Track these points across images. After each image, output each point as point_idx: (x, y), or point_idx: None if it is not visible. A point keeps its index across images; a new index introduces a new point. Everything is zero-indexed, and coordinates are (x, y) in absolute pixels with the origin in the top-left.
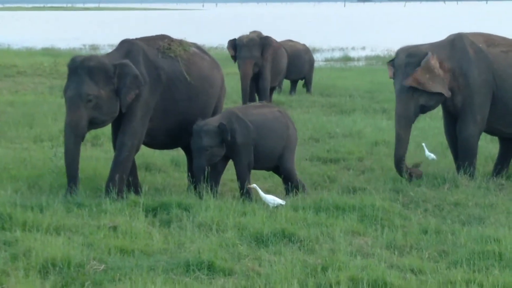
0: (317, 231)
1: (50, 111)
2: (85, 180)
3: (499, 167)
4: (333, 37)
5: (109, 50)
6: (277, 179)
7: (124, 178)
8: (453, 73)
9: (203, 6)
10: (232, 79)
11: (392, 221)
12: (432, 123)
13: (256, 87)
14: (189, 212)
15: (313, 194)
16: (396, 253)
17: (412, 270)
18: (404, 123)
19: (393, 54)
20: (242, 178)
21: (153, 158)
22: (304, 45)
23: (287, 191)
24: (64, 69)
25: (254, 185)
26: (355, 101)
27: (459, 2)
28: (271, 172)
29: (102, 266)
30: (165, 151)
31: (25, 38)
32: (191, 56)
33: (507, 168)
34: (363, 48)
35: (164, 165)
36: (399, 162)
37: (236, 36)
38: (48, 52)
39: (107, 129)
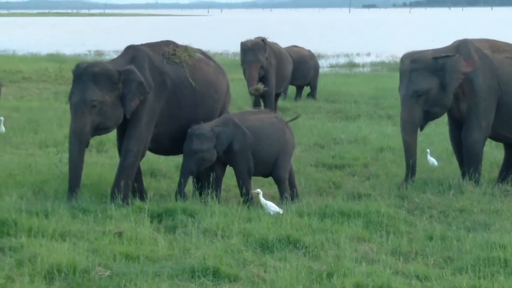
0: (322, 237)
1: (55, 117)
2: (90, 186)
3: (504, 173)
4: (338, 43)
5: (114, 56)
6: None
7: (130, 184)
8: None
9: (208, 12)
10: (237, 85)
11: (398, 227)
12: (437, 129)
13: (261, 93)
14: (194, 218)
15: (318, 200)
16: (401, 259)
17: (417, 277)
18: (410, 129)
19: (398, 60)
20: (243, 185)
21: (158, 164)
22: (309, 51)
23: (282, 196)
24: (69, 75)
25: (258, 190)
26: (360, 107)
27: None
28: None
29: (108, 272)
30: (170, 157)
31: (30, 44)
32: (196, 62)
33: None
34: (368, 54)
35: (169, 171)
36: (412, 167)
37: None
38: (53, 58)
39: (112, 135)
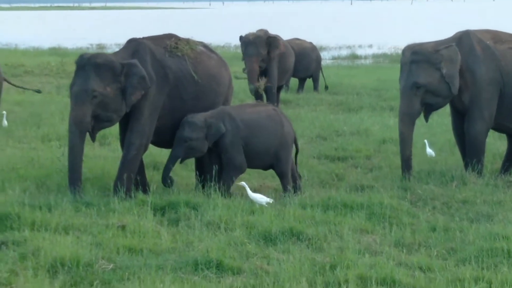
0: (325, 229)
1: (57, 110)
2: (93, 179)
3: (507, 164)
4: (340, 35)
5: (116, 49)
6: (265, 176)
7: (132, 177)
8: (460, 71)
9: (210, 4)
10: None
11: (400, 219)
12: (439, 120)
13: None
14: (197, 211)
15: (321, 192)
16: (404, 251)
17: (420, 268)
18: (408, 121)
19: (400, 52)
20: (227, 176)
21: (160, 157)
22: (311, 43)
23: (285, 189)
24: (71, 69)
25: (243, 183)
26: (363, 99)
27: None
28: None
29: (111, 265)
30: None
31: (32, 38)
32: (198, 55)
33: None
34: (370, 46)
35: None
36: (406, 161)
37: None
38: (55, 51)
39: (115, 128)
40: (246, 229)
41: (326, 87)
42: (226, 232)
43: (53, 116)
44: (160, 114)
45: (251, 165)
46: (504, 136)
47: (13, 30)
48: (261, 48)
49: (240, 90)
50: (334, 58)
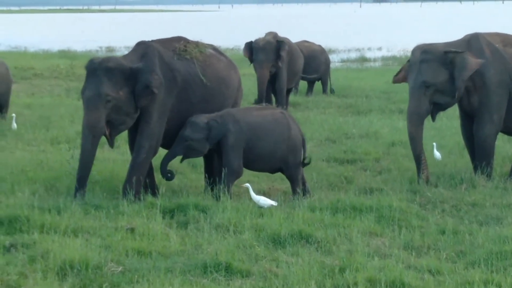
0: (334, 232)
1: (66, 113)
2: (102, 182)
3: None
4: (349, 38)
5: (125, 52)
6: (274, 179)
7: (142, 180)
8: None
9: (219, 7)
10: (248, 80)
11: (410, 222)
12: (449, 123)
13: (272, 89)
14: (206, 213)
15: (330, 195)
16: (413, 253)
17: (429, 271)
18: (416, 120)
19: (409, 54)
20: (226, 177)
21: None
22: (320, 45)
23: (294, 192)
24: (81, 72)
25: (247, 184)
26: (372, 102)
27: (475, 2)
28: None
29: (120, 268)
30: None
31: (42, 41)
32: (207, 58)
33: None
34: (380, 49)
35: (180, 167)
36: (418, 160)
37: (252, 38)
38: (65, 54)
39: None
40: (255, 231)
41: (332, 91)
42: (235, 235)
43: (62, 119)
44: (169, 117)
45: (257, 168)
46: None
47: (22, 33)
48: (271, 54)
49: (250, 93)
50: (343, 60)
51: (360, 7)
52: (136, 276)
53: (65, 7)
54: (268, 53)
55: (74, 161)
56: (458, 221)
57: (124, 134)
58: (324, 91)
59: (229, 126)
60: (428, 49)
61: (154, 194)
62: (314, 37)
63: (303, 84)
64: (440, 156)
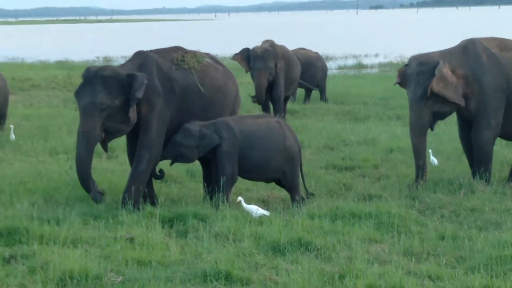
0: (334, 239)
1: (64, 124)
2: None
3: None
4: (346, 45)
5: (123, 62)
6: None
7: (141, 190)
8: (466, 79)
9: (215, 16)
10: (246, 89)
11: (409, 228)
12: (447, 129)
13: (270, 97)
14: (205, 222)
15: (329, 202)
16: (413, 259)
17: (429, 277)
18: (419, 132)
19: (406, 60)
20: (222, 186)
21: (168, 169)
22: (316, 53)
23: (293, 199)
24: (78, 82)
25: (240, 198)
26: (369, 108)
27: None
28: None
29: (120, 278)
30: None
31: (39, 52)
32: (205, 68)
33: None
34: (376, 55)
35: (179, 176)
36: (419, 170)
37: (250, 46)
38: (62, 65)
39: (123, 141)
40: (255, 240)
41: (326, 100)
42: (235, 243)
43: (60, 130)
44: (167, 127)
45: (252, 178)
46: (511, 144)
47: (19, 44)
48: (269, 62)
49: (247, 101)
50: (340, 67)
51: (357, 14)
52: (136, 285)
53: (62, 18)
54: (266, 61)
55: (73, 171)
56: (457, 226)
57: (123, 144)
58: (322, 98)
59: (223, 133)
60: (424, 61)
61: (153, 203)
62: (311, 44)
63: (300, 92)
64: (437, 162)
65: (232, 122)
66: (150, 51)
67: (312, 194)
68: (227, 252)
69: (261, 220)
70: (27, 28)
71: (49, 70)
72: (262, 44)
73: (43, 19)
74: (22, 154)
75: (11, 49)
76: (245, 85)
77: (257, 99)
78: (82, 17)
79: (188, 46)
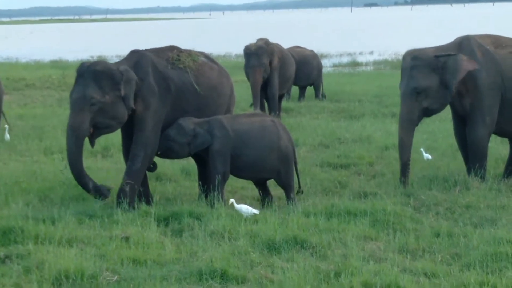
0: (329, 237)
1: (59, 123)
2: None
3: (510, 169)
4: (341, 43)
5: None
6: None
7: (136, 189)
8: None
9: (210, 14)
10: (240, 87)
11: (404, 225)
12: (441, 126)
13: (264, 95)
14: (200, 221)
15: (324, 200)
16: (408, 257)
17: (425, 274)
18: (407, 126)
19: (401, 58)
20: (213, 184)
21: (163, 168)
22: (311, 51)
23: (288, 198)
24: (72, 81)
25: (232, 200)
26: (364, 106)
27: (466, 5)
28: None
29: (115, 277)
30: (175, 161)
31: (33, 51)
32: (200, 67)
33: None
34: (371, 53)
35: (174, 175)
36: (404, 166)
37: (244, 44)
38: (56, 64)
39: (117, 140)
40: (250, 238)
41: (324, 96)
42: (230, 242)
43: (55, 129)
44: (163, 125)
45: (245, 177)
46: (506, 140)
47: (13, 44)
48: (263, 59)
49: (242, 100)
50: (335, 65)
51: (351, 11)
52: (131, 285)
53: (56, 17)
54: (261, 58)
55: (68, 171)
56: (453, 223)
57: (118, 143)
58: (317, 96)
59: (215, 132)
60: (418, 55)
61: (148, 202)
62: (305, 42)
63: (295, 90)
64: (430, 157)
65: (226, 121)
66: (146, 50)
67: (301, 191)
68: (223, 251)
69: (256, 218)
70: (21, 28)
71: (43, 70)
72: (257, 42)
73: (37, 18)
74: (16, 154)
75: (5, 49)
76: (240, 83)
77: (253, 96)
78: (77, 17)
79: (183, 45)
